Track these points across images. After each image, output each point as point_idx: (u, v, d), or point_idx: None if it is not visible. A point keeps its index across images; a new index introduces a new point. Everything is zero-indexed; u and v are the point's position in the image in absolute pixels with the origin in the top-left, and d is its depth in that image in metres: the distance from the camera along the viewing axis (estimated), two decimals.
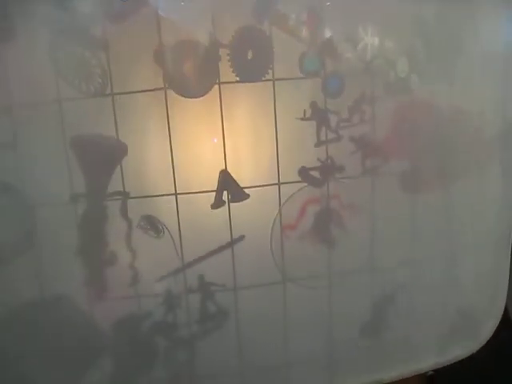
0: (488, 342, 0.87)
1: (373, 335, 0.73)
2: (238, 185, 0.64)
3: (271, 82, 0.63)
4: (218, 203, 0.65)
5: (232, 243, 0.65)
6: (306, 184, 0.66)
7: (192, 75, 0.63)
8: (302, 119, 0.64)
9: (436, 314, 0.78)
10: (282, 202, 0.66)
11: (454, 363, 0.84)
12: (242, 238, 0.65)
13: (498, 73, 0.76)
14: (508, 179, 0.81)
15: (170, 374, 0.71)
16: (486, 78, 0.75)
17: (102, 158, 0.65)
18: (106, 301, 0.68)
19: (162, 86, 0.62)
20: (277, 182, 0.65)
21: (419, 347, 0.80)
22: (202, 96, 0.63)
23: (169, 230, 0.65)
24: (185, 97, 0.62)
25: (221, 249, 0.66)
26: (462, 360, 0.85)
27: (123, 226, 0.65)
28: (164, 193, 0.64)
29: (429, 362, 0.82)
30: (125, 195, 0.65)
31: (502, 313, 0.91)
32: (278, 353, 0.71)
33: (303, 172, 0.66)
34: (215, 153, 0.64)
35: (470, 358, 0.86)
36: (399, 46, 0.68)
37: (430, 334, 0.80)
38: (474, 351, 0.86)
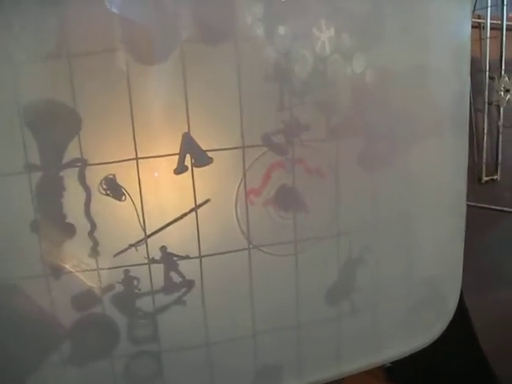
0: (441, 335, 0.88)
1: (339, 300, 0.72)
2: (201, 148, 0.63)
3: (233, 44, 0.62)
4: (180, 168, 0.63)
5: (196, 208, 0.64)
6: (268, 148, 0.65)
7: (153, 38, 0.61)
8: (264, 80, 0.63)
9: (400, 284, 0.78)
10: (247, 166, 0.65)
11: (410, 356, 0.85)
12: (206, 202, 0.64)
13: (451, 44, 0.81)
14: (460, 143, 0.84)
15: (133, 350, 0.69)
16: (440, 46, 0.79)
17: (57, 127, 0.62)
18: (64, 275, 0.65)
19: (122, 47, 0.60)
20: (241, 145, 0.64)
21: (386, 329, 0.80)
22: (165, 60, 0.61)
23: (130, 196, 0.63)
24: (145, 63, 0.61)
25: (184, 215, 0.64)
26: (418, 353, 0.86)
27: (82, 196, 0.63)
28: (124, 158, 0.62)
29: (397, 346, 0.83)
30: (83, 162, 0.62)
31: (460, 286, 0.93)
32: (244, 323, 0.69)
33: (266, 137, 0.65)
34: (177, 116, 0.62)
35: (425, 351, 0.87)
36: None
37: (397, 308, 0.80)
38: (443, 329, 0.88)
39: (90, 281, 0.66)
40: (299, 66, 0.65)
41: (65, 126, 0.62)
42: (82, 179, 0.63)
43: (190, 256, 0.66)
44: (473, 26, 1.45)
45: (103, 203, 0.63)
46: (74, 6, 0.60)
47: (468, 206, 1.33)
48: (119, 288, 0.67)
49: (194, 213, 0.65)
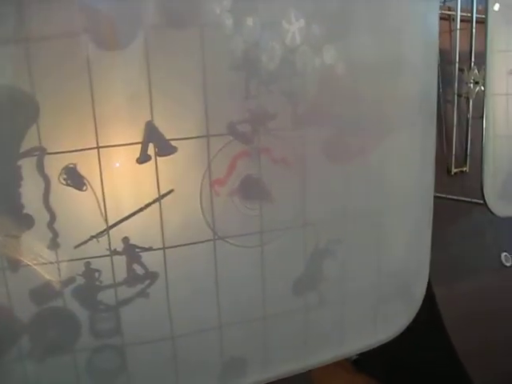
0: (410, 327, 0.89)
1: (305, 291, 0.71)
2: (165, 137, 0.62)
3: (199, 30, 0.61)
4: (143, 157, 0.62)
5: (160, 199, 0.62)
6: (233, 137, 0.64)
7: (113, 24, 0.59)
8: (230, 68, 0.62)
9: (367, 276, 0.78)
10: (212, 156, 0.64)
11: (378, 348, 0.85)
12: (170, 192, 0.63)
13: (418, 36, 0.81)
14: (428, 135, 0.84)
15: (96, 343, 0.67)
16: (407, 38, 0.79)
17: (14, 114, 0.60)
18: (22, 268, 0.63)
19: (82, 32, 0.58)
20: (205, 134, 0.63)
21: (352, 321, 0.80)
22: (127, 46, 0.59)
23: (91, 185, 0.61)
24: (107, 48, 0.59)
25: (147, 205, 0.62)
26: (386, 345, 0.86)
27: (40, 186, 0.61)
28: (85, 147, 0.60)
29: (363, 339, 0.83)
30: (42, 151, 0.60)
31: (427, 278, 0.94)
32: (209, 315, 0.68)
33: (232, 126, 0.64)
34: (140, 104, 0.60)
35: (393, 343, 0.87)
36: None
37: (363, 300, 0.80)
38: (409, 321, 0.88)
39: (49, 274, 0.64)
40: (266, 55, 0.64)
41: (22, 113, 0.60)
42: (40, 168, 0.60)
43: (154, 247, 0.65)
44: (443, 18, 1.46)
45: (63, 193, 0.61)
46: None
47: (437, 197, 1.34)
48: (80, 281, 0.65)
49: (157, 203, 0.64)
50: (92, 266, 0.65)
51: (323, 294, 0.73)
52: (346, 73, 0.71)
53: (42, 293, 0.65)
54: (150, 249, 0.65)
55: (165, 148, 0.62)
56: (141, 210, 0.63)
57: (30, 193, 0.61)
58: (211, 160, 0.64)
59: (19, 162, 0.60)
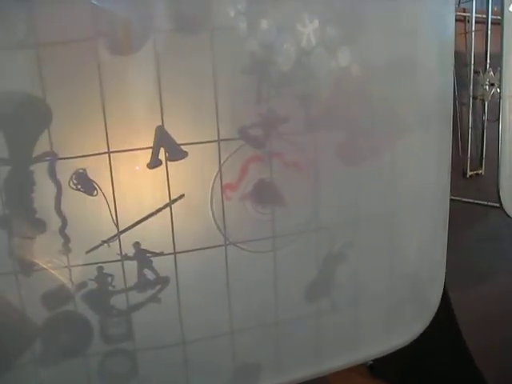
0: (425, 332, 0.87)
1: (318, 297, 0.70)
2: (175, 142, 0.61)
3: (209, 35, 0.59)
4: (154, 162, 0.61)
5: (170, 204, 0.61)
6: (245, 141, 0.63)
7: (125, 28, 0.59)
8: (242, 72, 0.61)
9: (382, 281, 0.76)
10: (223, 160, 0.63)
11: (394, 353, 0.83)
12: (181, 197, 0.61)
13: (435, 38, 0.80)
14: (443, 137, 0.82)
15: (107, 348, 0.66)
16: (423, 40, 0.78)
17: (27, 119, 0.59)
18: (35, 272, 0.63)
19: (95, 37, 0.57)
20: (216, 138, 0.62)
21: (366, 327, 0.78)
22: (138, 50, 0.59)
23: (102, 190, 0.60)
24: (119, 53, 0.58)
25: (158, 210, 0.61)
26: (401, 350, 0.84)
27: (52, 190, 0.60)
28: (96, 151, 0.60)
29: (377, 344, 0.81)
30: (53, 156, 0.60)
31: (443, 282, 0.92)
32: (221, 321, 0.67)
33: (243, 130, 0.63)
34: (151, 109, 0.59)
35: (408, 348, 0.85)
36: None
37: (378, 305, 0.78)
38: (425, 327, 0.86)
39: (61, 278, 0.63)
40: (280, 58, 0.63)
41: (35, 119, 0.59)
42: (52, 173, 0.60)
43: (165, 252, 0.64)
44: (458, 20, 1.43)
45: (75, 198, 0.61)
46: None
47: (452, 200, 1.32)
48: (92, 285, 0.64)
49: (168, 208, 0.63)
50: (105, 271, 0.64)
51: (336, 299, 0.71)
52: (360, 75, 0.70)
53: (55, 297, 0.64)
54: (161, 254, 0.64)
55: (175, 153, 0.61)
56: (151, 215, 0.62)
57: (42, 198, 0.61)
58: (222, 165, 0.63)
59: (32, 167, 0.60)
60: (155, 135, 0.60)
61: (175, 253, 0.64)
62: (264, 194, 0.65)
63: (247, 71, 0.61)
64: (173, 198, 0.62)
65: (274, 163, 0.64)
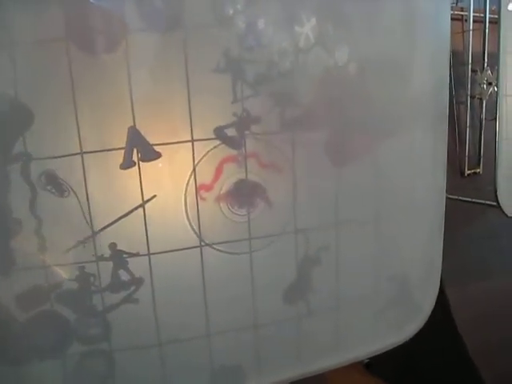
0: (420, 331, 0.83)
1: (298, 299, 0.66)
2: (148, 142, 0.58)
3: (182, 32, 0.56)
4: (127, 162, 0.58)
5: (143, 204, 0.59)
6: (220, 141, 0.59)
7: (98, 28, 0.56)
8: (215, 71, 0.57)
9: (365, 282, 0.72)
10: (197, 161, 0.59)
11: (390, 351, 0.79)
12: (153, 197, 0.59)
13: (429, 36, 0.75)
14: (439, 136, 0.78)
15: (84, 349, 0.64)
16: (418, 38, 0.74)
17: (7, 122, 0.57)
18: (11, 273, 0.60)
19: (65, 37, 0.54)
20: (190, 139, 0.59)
21: (350, 328, 0.74)
22: (110, 50, 0.56)
23: (74, 191, 0.58)
24: (90, 53, 0.55)
25: (130, 211, 0.59)
26: (397, 348, 0.80)
27: (26, 191, 0.58)
28: (68, 152, 0.57)
29: (364, 345, 0.77)
30: (28, 156, 0.57)
31: (438, 284, 0.88)
32: (197, 322, 0.64)
33: (219, 130, 0.60)
34: (123, 109, 0.57)
35: (404, 346, 0.81)
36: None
37: (363, 308, 0.74)
38: (419, 328, 0.83)
39: (38, 278, 0.61)
40: (256, 55, 0.60)
41: (16, 120, 0.57)
42: (25, 174, 0.57)
43: (141, 253, 0.61)
44: (456, 19, 1.39)
45: (50, 199, 0.58)
46: None
47: (450, 199, 1.28)
48: (70, 285, 0.62)
49: (141, 209, 0.60)
50: (87, 270, 0.62)
51: (317, 301, 0.68)
52: (350, 73, 0.66)
53: (31, 297, 0.62)
54: (136, 254, 0.61)
55: (148, 153, 0.58)
56: (124, 215, 0.59)
57: (17, 198, 0.58)
58: (196, 165, 0.60)
59: (8, 167, 0.58)
60: (127, 135, 0.57)
61: (149, 254, 0.61)
62: (239, 195, 0.62)
63: (221, 70, 0.58)
64: (146, 198, 0.59)
65: (250, 164, 0.61)
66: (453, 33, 1.29)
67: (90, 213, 0.59)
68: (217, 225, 0.62)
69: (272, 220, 0.64)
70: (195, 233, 0.61)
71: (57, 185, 0.57)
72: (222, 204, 0.62)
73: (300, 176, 0.64)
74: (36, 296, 0.61)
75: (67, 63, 0.55)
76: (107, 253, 0.61)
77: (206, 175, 0.60)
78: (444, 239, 0.87)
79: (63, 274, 0.61)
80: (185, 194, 0.60)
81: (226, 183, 0.61)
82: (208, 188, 0.61)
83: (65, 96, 0.56)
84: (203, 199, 0.61)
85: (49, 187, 0.57)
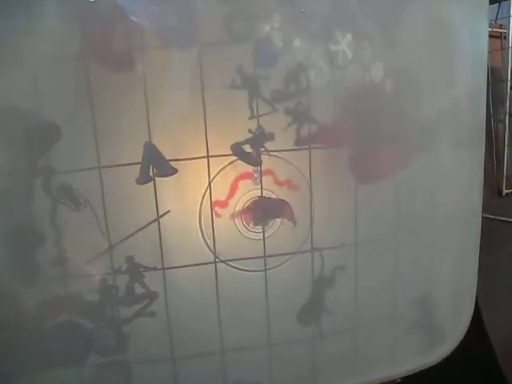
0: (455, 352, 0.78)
1: (311, 320, 0.63)
2: (164, 158, 0.56)
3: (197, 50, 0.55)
4: (143, 178, 0.57)
5: (158, 219, 0.57)
6: (236, 158, 0.57)
7: (116, 44, 0.55)
8: (231, 87, 0.55)
9: (385, 305, 0.67)
10: (212, 177, 0.57)
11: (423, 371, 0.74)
12: (166, 212, 0.57)
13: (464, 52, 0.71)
14: (475, 154, 0.73)
15: (101, 360, 0.62)
16: (455, 54, 0.70)
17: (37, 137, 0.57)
18: (34, 284, 0.60)
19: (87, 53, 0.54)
20: (205, 155, 0.57)
21: (371, 351, 0.69)
22: (128, 68, 0.55)
23: (91, 205, 0.56)
24: (109, 69, 0.55)
25: (146, 226, 0.57)
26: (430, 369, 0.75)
27: (47, 203, 0.57)
28: (85, 166, 0.56)
29: (384, 371, 0.72)
30: (50, 170, 0.57)
31: (473, 304, 0.82)
32: (211, 340, 0.61)
33: (236, 146, 0.57)
34: (140, 124, 0.55)
35: (436, 368, 0.76)
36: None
37: (383, 330, 0.70)
38: (449, 351, 0.77)
39: (59, 289, 0.60)
40: (275, 71, 0.57)
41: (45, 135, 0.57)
42: (47, 187, 0.57)
43: (156, 267, 0.59)
44: (495, 36, 1.32)
45: (69, 212, 0.57)
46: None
47: (487, 219, 1.21)
48: (88, 297, 0.60)
49: (162, 224, 0.58)
50: (105, 283, 0.60)
51: (333, 322, 0.64)
52: (384, 88, 0.63)
53: (52, 307, 0.61)
54: (152, 268, 0.59)
55: (164, 169, 0.57)
56: (139, 230, 0.57)
57: (39, 210, 0.58)
58: (211, 181, 0.57)
59: (31, 180, 0.57)
60: (143, 151, 0.56)
61: (164, 268, 0.59)
62: (254, 212, 0.59)
63: (237, 87, 0.56)
64: (161, 213, 0.57)
65: (266, 181, 0.58)
66: (492, 50, 1.23)
67: (106, 226, 0.58)
68: (232, 242, 0.60)
69: (288, 238, 0.60)
70: (210, 249, 0.59)
71: (73, 198, 0.56)
72: (237, 221, 0.59)
73: (319, 194, 0.60)
74: (56, 306, 0.61)
75: (87, 79, 0.54)
76: (124, 266, 0.59)
77: (221, 192, 0.58)
78: (481, 259, 0.81)
79: (82, 285, 0.60)
80: (199, 210, 0.58)
81: (241, 200, 0.59)
82: (223, 204, 0.58)
83: (83, 111, 0.55)
84: (218, 216, 0.58)
85: (65, 200, 0.56)
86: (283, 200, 0.61)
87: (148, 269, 0.60)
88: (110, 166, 0.56)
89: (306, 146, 0.58)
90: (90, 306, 0.61)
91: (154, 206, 0.57)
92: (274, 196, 0.60)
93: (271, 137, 0.57)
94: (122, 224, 0.58)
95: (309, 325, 0.62)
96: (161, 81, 0.55)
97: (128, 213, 0.58)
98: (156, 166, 0.56)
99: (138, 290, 0.60)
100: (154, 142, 0.56)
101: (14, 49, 0.55)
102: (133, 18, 0.55)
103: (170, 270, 0.59)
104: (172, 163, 0.57)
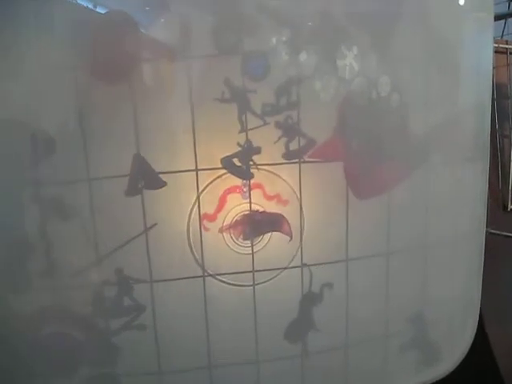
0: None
1: (298, 337, 0.60)
2: (154, 170, 0.54)
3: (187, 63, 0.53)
4: (132, 190, 0.55)
5: (146, 231, 0.55)
6: (225, 171, 0.55)
7: (109, 58, 0.54)
8: (220, 101, 0.54)
9: (376, 322, 0.64)
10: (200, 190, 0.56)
11: None
12: (153, 225, 0.55)
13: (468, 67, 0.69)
14: (479, 170, 0.71)
15: (90, 371, 0.61)
16: (459, 70, 0.68)
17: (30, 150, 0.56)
18: (24, 294, 0.58)
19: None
20: (194, 168, 0.55)
21: (363, 369, 0.66)
22: (119, 80, 0.53)
23: (80, 216, 0.55)
24: (101, 81, 0.53)
25: (133, 238, 0.55)
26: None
27: (37, 214, 0.56)
28: (76, 178, 0.55)
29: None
30: (39, 182, 0.56)
31: (477, 320, 0.79)
32: (199, 354, 0.59)
33: (226, 160, 0.56)
34: (130, 137, 0.54)
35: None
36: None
37: (374, 347, 0.66)
38: (454, 365, 0.74)
39: (48, 300, 0.59)
40: (265, 84, 0.55)
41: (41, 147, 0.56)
42: (36, 199, 0.56)
43: (144, 280, 0.57)
44: (501, 52, 1.29)
45: (58, 223, 0.56)
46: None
47: (492, 234, 1.17)
48: (76, 308, 0.59)
49: (151, 236, 0.56)
50: (93, 294, 0.59)
51: (324, 339, 0.61)
52: (393, 105, 0.61)
53: (42, 318, 0.59)
54: (140, 281, 0.58)
55: (153, 182, 0.55)
56: (126, 243, 0.56)
57: (29, 221, 0.57)
58: (200, 194, 0.56)
59: (23, 192, 0.56)
60: (132, 163, 0.54)
61: (152, 281, 0.57)
62: (243, 226, 0.57)
63: (226, 100, 0.54)
64: (149, 226, 0.56)
65: (255, 195, 0.56)
66: (497, 66, 1.20)
67: (95, 238, 0.56)
68: (220, 255, 0.58)
69: (277, 253, 0.58)
70: (198, 263, 0.57)
71: (62, 209, 0.55)
72: (225, 235, 0.57)
73: (309, 209, 0.58)
74: (45, 317, 0.59)
75: (75, 89, 0.53)
76: (113, 278, 0.58)
77: (209, 205, 0.56)
78: (485, 275, 0.78)
79: (71, 296, 0.59)
80: (188, 224, 0.56)
81: (229, 214, 0.57)
82: (211, 218, 0.56)
83: (73, 124, 0.54)
84: (207, 229, 0.56)
85: (55, 212, 0.55)
86: (280, 214, 0.58)
87: (136, 281, 0.58)
88: (99, 179, 0.55)
89: (296, 160, 0.56)
90: (78, 317, 0.59)
91: (143, 218, 0.56)
92: (261, 209, 0.57)
93: (258, 150, 0.55)
94: (110, 236, 0.57)
95: (296, 342, 0.60)
96: (150, 93, 0.54)
97: (117, 225, 0.57)
98: (145, 178, 0.55)
99: (127, 302, 0.58)
100: (143, 154, 0.54)
101: (8, 62, 0.54)
102: (126, 32, 0.54)
103: (159, 283, 0.57)
104: (161, 176, 0.55)
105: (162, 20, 0.53)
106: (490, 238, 0.80)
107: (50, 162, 0.55)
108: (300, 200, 0.57)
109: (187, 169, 0.55)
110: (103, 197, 0.55)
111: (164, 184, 0.55)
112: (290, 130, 0.56)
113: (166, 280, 0.57)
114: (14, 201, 0.57)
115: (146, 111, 0.54)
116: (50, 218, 0.56)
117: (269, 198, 0.57)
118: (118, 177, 0.55)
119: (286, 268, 0.58)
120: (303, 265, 0.58)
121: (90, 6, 0.50)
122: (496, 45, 1.16)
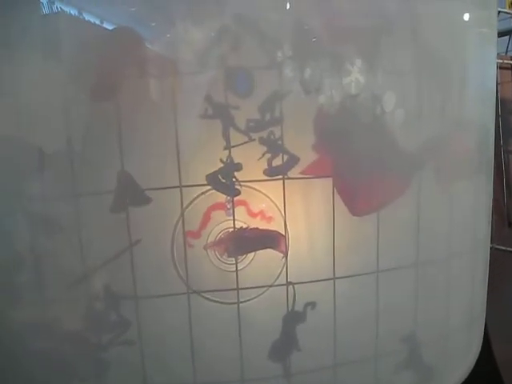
0: None
1: (282, 357, 0.56)
2: (140, 186, 0.52)
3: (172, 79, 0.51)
4: (117, 206, 0.53)
5: (131, 247, 0.53)
6: (209, 187, 0.52)
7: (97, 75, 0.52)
8: (203, 117, 0.51)
9: (367, 342, 0.60)
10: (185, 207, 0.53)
11: None
12: (137, 242, 0.53)
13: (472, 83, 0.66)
14: (482, 187, 0.68)
15: None
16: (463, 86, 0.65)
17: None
18: (13, 309, 0.57)
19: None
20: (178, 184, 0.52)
21: None
22: (105, 97, 0.52)
23: (66, 232, 0.53)
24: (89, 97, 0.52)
25: (118, 255, 0.53)
26: None
27: (26, 229, 0.54)
28: (62, 194, 0.53)
29: None
30: (27, 197, 0.54)
31: (481, 338, 0.74)
32: (183, 372, 0.56)
33: (211, 176, 0.53)
34: (115, 152, 0.52)
35: None
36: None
37: (365, 367, 0.62)
38: None
39: (38, 314, 0.57)
40: (250, 100, 0.53)
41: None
42: (24, 213, 0.54)
43: (128, 296, 0.55)
44: (506, 68, 1.24)
45: (46, 238, 0.54)
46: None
47: (497, 250, 1.12)
48: (65, 324, 0.57)
49: (136, 253, 0.54)
50: (81, 310, 0.56)
51: (306, 361, 0.57)
52: (387, 122, 0.58)
53: (32, 333, 0.57)
54: (127, 297, 0.55)
55: (138, 198, 0.53)
56: (112, 259, 0.53)
57: (19, 235, 0.55)
58: (184, 211, 0.53)
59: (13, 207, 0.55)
60: (117, 179, 0.52)
61: (137, 298, 0.54)
62: (227, 244, 0.54)
63: (209, 116, 0.51)
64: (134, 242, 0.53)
65: (239, 212, 0.54)
66: (502, 82, 1.15)
67: (82, 254, 0.54)
68: (205, 272, 0.55)
69: (262, 271, 0.55)
70: (182, 280, 0.54)
71: (49, 225, 0.53)
72: (209, 252, 0.54)
73: (293, 226, 0.55)
74: (36, 332, 0.57)
75: (61, 106, 0.51)
76: (101, 293, 0.55)
77: (193, 222, 0.53)
78: (490, 292, 0.73)
79: (60, 311, 0.57)
80: (172, 240, 0.53)
81: (213, 231, 0.54)
82: (195, 235, 0.54)
83: (57, 138, 0.52)
84: (191, 246, 0.54)
85: (43, 227, 0.53)
86: (276, 231, 0.55)
87: (123, 297, 0.55)
88: (84, 195, 0.53)
89: (280, 177, 0.53)
90: (67, 333, 0.57)
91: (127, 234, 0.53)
92: (245, 226, 0.55)
93: (240, 167, 0.52)
94: (97, 252, 0.54)
95: (280, 361, 0.56)
96: (135, 110, 0.52)
97: (102, 241, 0.54)
98: (130, 194, 0.52)
99: (114, 317, 0.55)
100: (128, 170, 0.52)
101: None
102: (113, 49, 0.52)
103: (145, 300, 0.55)
104: (146, 192, 0.52)
105: (150, 37, 0.50)
106: (494, 254, 0.76)
107: (37, 178, 0.53)
108: (284, 217, 0.54)
109: (172, 185, 0.52)
110: (89, 213, 0.53)
111: (149, 200, 0.53)
112: (273, 147, 0.53)
113: (150, 296, 0.54)
114: (0, 215, 0.55)
115: (131, 127, 0.52)
116: (38, 233, 0.54)
117: (253, 214, 0.54)
118: (103, 193, 0.53)
119: (271, 286, 0.55)
120: (288, 283, 0.55)
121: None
122: (500, 60, 1.12)
